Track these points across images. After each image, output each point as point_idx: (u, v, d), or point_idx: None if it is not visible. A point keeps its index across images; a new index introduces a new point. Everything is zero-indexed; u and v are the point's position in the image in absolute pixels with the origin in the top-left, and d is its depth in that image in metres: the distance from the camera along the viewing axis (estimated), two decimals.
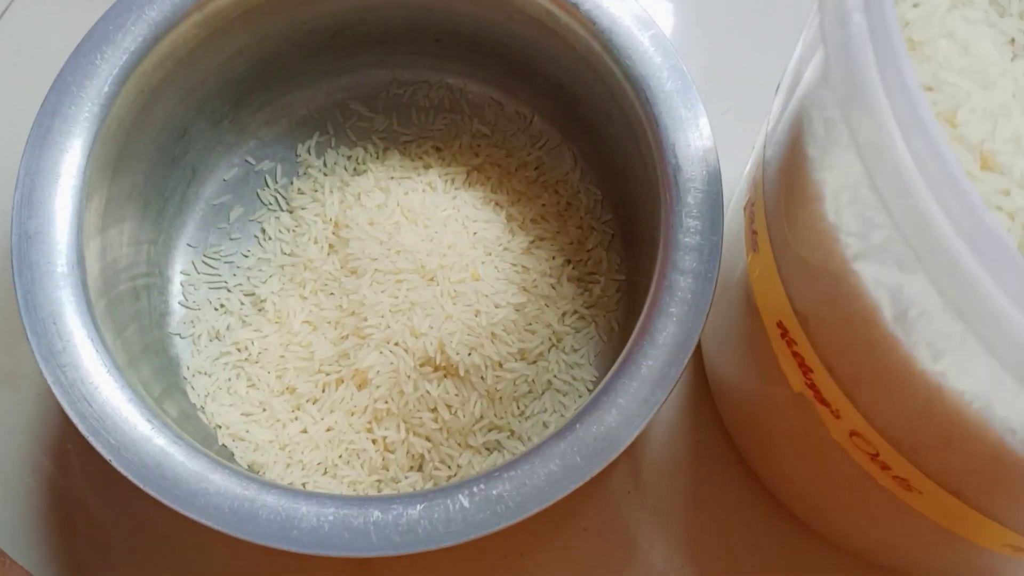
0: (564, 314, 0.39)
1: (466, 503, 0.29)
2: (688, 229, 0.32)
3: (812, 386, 0.27)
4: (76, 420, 0.29)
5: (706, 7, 0.48)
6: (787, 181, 0.26)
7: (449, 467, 0.36)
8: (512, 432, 0.37)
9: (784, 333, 0.28)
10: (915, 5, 0.23)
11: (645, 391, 0.30)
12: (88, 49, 0.33)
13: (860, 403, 0.25)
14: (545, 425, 0.37)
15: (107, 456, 0.29)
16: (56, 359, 0.30)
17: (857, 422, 0.26)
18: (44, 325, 0.30)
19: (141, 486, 0.29)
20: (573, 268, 0.39)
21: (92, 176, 0.33)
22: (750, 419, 0.35)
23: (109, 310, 0.33)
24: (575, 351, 0.39)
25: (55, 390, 0.30)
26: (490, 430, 0.37)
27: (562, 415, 0.37)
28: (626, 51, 0.34)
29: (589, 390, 0.38)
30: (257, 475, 0.36)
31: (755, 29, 0.47)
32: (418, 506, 0.29)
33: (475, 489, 0.29)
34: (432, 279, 0.37)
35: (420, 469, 0.37)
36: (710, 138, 0.33)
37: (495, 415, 0.37)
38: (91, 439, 0.29)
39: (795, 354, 0.27)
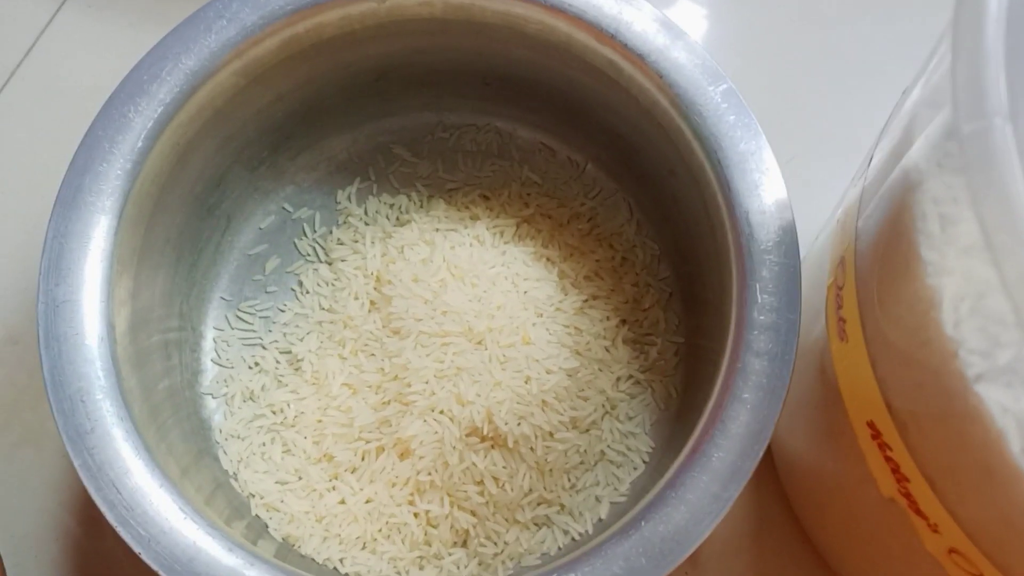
0: (619, 379, 0.36)
1: None
2: (763, 306, 0.29)
3: (907, 495, 0.25)
4: (104, 508, 0.27)
5: (767, 43, 0.45)
6: (889, 276, 0.23)
7: (495, 543, 0.34)
8: (563, 507, 0.35)
9: (876, 435, 0.25)
10: None
11: (716, 486, 0.28)
12: (121, 101, 0.31)
13: (966, 523, 0.23)
14: (597, 499, 0.35)
15: (136, 549, 0.27)
16: (84, 440, 0.28)
17: (959, 540, 0.23)
18: (72, 403, 0.28)
19: None
20: (628, 329, 0.37)
21: (124, 237, 0.31)
22: (823, 508, 0.33)
23: (137, 373, 0.31)
24: (630, 419, 0.36)
25: (82, 475, 0.28)
26: (539, 504, 0.35)
27: (615, 488, 0.35)
28: (696, 107, 0.31)
29: (645, 462, 0.36)
30: (293, 548, 0.34)
31: (821, 66, 0.44)
32: None
33: None
34: (480, 343, 0.35)
35: (465, 545, 0.35)
36: (788, 205, 0.30)
37: (545, 488, 0.35)
38: (120, 530, 0.27)
39: (888, 459, 0.25)
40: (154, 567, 0.27)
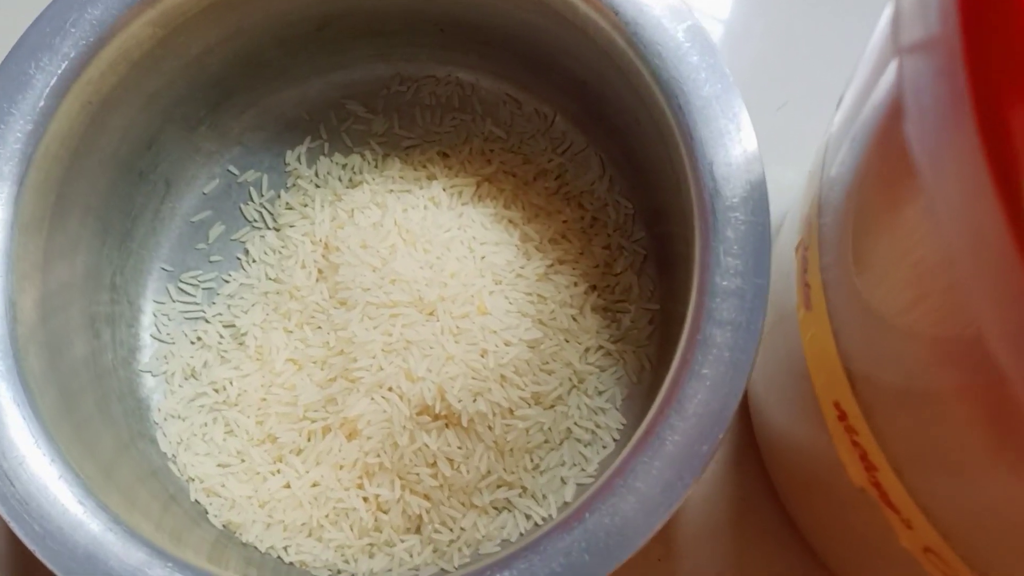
0: (587, 350, 0.33)
1: None
2: (727, 270, 0.26)
3: (877, 485, 0.21)
4: None
5: None
6: (864, 222, 0.20)
7: (451, 529, 0.31)
8: (524, 489, 0.32)
9: (842, 417, 0.22)
10: None
11: (670, 474, 0.25)
12: (20, 57, 0.29)
13: (939, 521, 0.20)
14: (563, 481, 0.32)
15: (31, 546, 0.25)
16: None
17: (933, 539, 0.20)
18: None
19: None
20: (598, 296, 0.34)
21: (27, 205, 0.28)
22: (804, 492, 0.30)
23: (51, 356, 0.29)
24: (600, 394, 0.33)
25: None
26: (499, 487, 0.32)
27: (583, 468, 0.32)
28: (654, 47, 0.28)
29: (615, 440, 0.33)
30: (234, 536, 0.32)
31: (818, 7, 0.40)
32: None
33: None
34: (431, 313, 0.32)
35: (418, 531, 0.32)
36: (756, 156, 0.27)
37: (504, 470, 0.32)
38: (12, 524, 0.25)
39: (855, 444, 0.22)
40: (50, 565, 0.25)
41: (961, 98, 0.12)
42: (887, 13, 0.20)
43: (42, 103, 0.28)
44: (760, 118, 0.28)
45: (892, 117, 0.17)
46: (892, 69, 0.17)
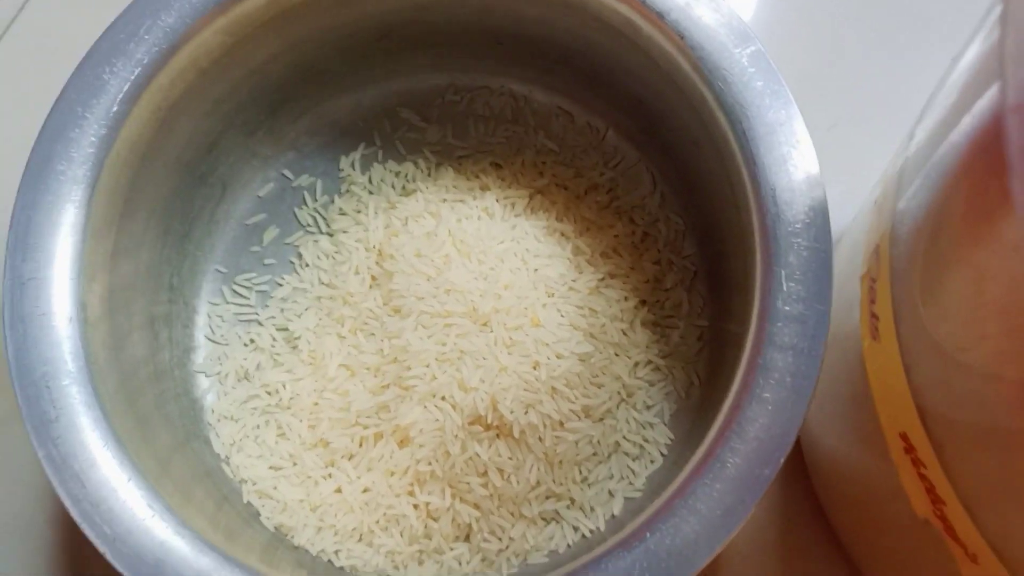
0: (636, 365, 0.34)
1: None
2: (789, 295, 0.26)
3: (943, 518, 0.22)
4: (68, 504, 0.26)
5: None
6: (936, 264, 0.20)
7: (500, 539, 0.32)
8: (572, 501, 0.32)
9: (910, 449, 0.22)
10: None
11: (731, 497, 0.25)
12: (96, 62, 0.29)
13: (1010, 560, 0.20)
14: (611, 494, 0.32)
15: (101, 548, 0.25)
16: (48, 429, 0.26)
17: (999, 574, 0.21)
18: (36, 389, 0.26)
19: None
20: (648, 311, 0.34)
21: (99, 208, 0.29)
22: (855, 516, 0.30)
23: (114, 352, 0.29)
24: (648, 408, 0.33)
25: (45, 467, 0.26)
26: (547, 498, 0.32)
27: (630, 482, 0.33)
28: (720, 72, 0.28)
29: (663, 455, 0.33)
30: (285, 539, 0.32)
31: (867, 19, 0.40)
32: None
33: None
34: (485, 324, 0.32)
35: (467, 540, 0.32)
36: (820, 183, 0.27)
37: (553, 481, 0.32)
38: (84, 527, 0.26)
39: (922, 477, 0.22)
40: (119, 568, 0.25)
41: None
42: (974, 53, 0.20)
43: (115, 108, 0.29)
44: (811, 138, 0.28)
45: (986, 165, 0.17)
46: (983, 116, 0.18)
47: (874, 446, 0.24)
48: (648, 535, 0.25)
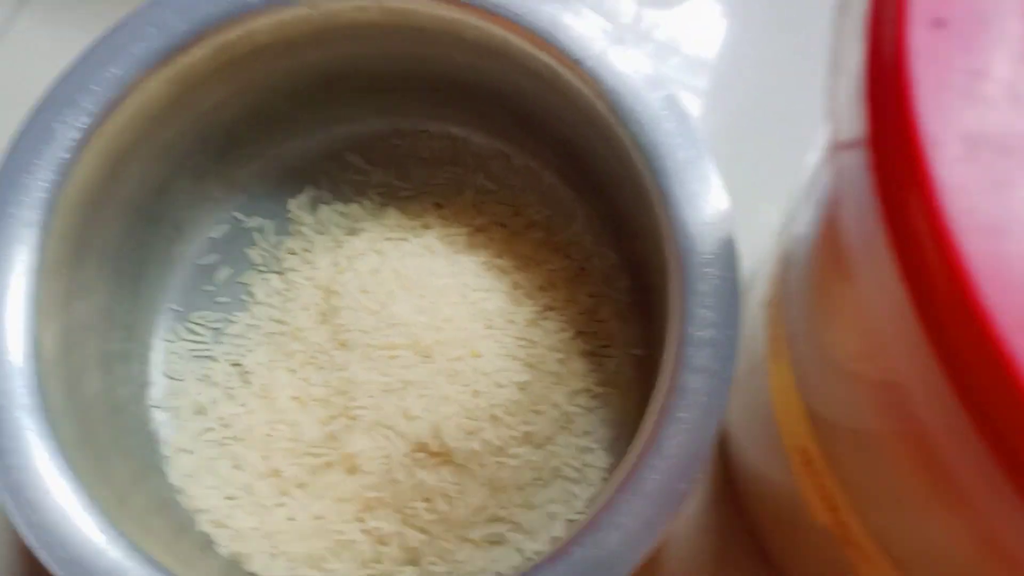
0: (574, 393, 0.35)
1: None
2: (701, 321, 0.28)
3: (841, 524, 0.24)
4: (24, 530, 0.27)
5: (776, 45, 0.44)
6: (816, 285, 0.22)
7: (447, 562, 0.33)
8: (516, 524, 0.34)
9: (806, 460, 0.24)
10: None
11: (651, 511, 0.27)
12: (46, 112, 0.31)
13: (896, 555, 0.22)
14: (552, 517, 0.34)
15: (55, 570, 0.27)
16: (4, 459, 0.28)
17: (890, 574, 0.22)
18: None
19: None
20: (584, 342, 0.36)
21: (51, 250, 0.30)
22: (774, 528, 0.32)
23: (70, 389, 0.31)
24: (587, 434, 0.35)
25: (3, 495, 0.27)
26: (492, 521, 0.34)
27: (571, 505, 0.34)
28: (633, 115, 0.30)
29: (603, 479, 0.35)
30: (238, 566, 0.33)
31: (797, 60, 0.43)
32: None
33: None
34: (427, 356, 0.34)
35: (416, 563, 0.34)
36: (727, 217, 0.29)
37: (497, 505, 0.34)
38: (39, 552, 0.27)
39: (818, 485, 0.24)
40: None
41: (871, 196, 0.15)
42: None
43: (66, 155, 0.30)
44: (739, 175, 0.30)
45: (834, 199, 0.19)
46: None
47: (780, 460, 0.26)
48: (574, 549, 0.27)
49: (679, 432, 0.27)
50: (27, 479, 0.28)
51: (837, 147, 0.16)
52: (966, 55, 0.15)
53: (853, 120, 0.16)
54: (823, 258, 0.21)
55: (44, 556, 0.27)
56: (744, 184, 0.30)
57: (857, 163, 0.15)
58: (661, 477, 0.27)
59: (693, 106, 0.43)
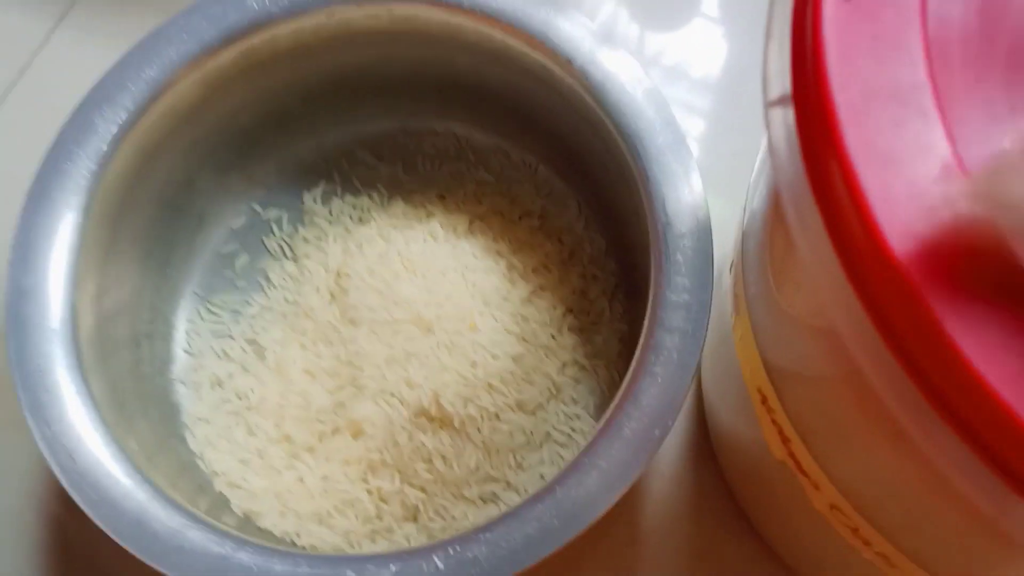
0: (564, 365, 0.38)
1: (440, 565, 0.29)
2: (676, 287, 0.31)
3: (792, 456, 0.26)
4: (58, 473, 0.30)
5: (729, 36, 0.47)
6: (768, 251, 0.25)
7: (444, 518, 0.36)
8: (508, 484, 0.37)
9: (764, 400, 0.27)
10: None
11: (627, 454, 0.29)
12: (88, 108, 0.34)
13: (839, 481, 0.24)
14: (542, 477, 0.37)
15: (87, 510, 0.30)
16: (42, 412, 0.31)
17: (835, 496, 0.25)
18: (32, 378, 0.31)
19: (119, 541, 0.29)
20: (575, 318, 0.39)
21: (90, 232, 0.33)
22: (745, 477, 0.35)
23: (103, 361, 0.34)
24: (575, 402, 0.38)
25: (39, 443, 0.30)
26: (486, 482, 0.37)
27: (560, 467, 0.37)
28: (618, 106, 0.33)
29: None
30: (252, 523, 0.36)
31: None
32: (391, 567, 0.29)
33: (450, 551, 0.29)
34: (429, 330, 0.37)
35: (415, 520, 0.36)
36: (700, 193, 0.32)
37: (491, 467, 0.36)
38: (72, 492, 0.30)
39: (774, 422, 0.27)
40: (103, 527, 0.29)
41: (794, 139, 0.18)
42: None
43: (104, 147, 0.34)
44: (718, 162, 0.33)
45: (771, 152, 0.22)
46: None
47: (745, 405, 0.29)
48: (557, 488, 0.29)
49: (654, 385, 0.30)
50: (63, 431, 0.31)
51: (769, 105, 0.19)
52: (870, 23, 0.18)
53: (782, 79, 0.19)
54: (771, 226, 0.24)
55: (76, 496, 0.30)
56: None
57: (784, 116, 0.18)
58: (637, 425, 0.30)
59: (697, 126, 0.46)
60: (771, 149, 0.19)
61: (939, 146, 0.17)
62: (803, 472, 0.26)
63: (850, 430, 0.23)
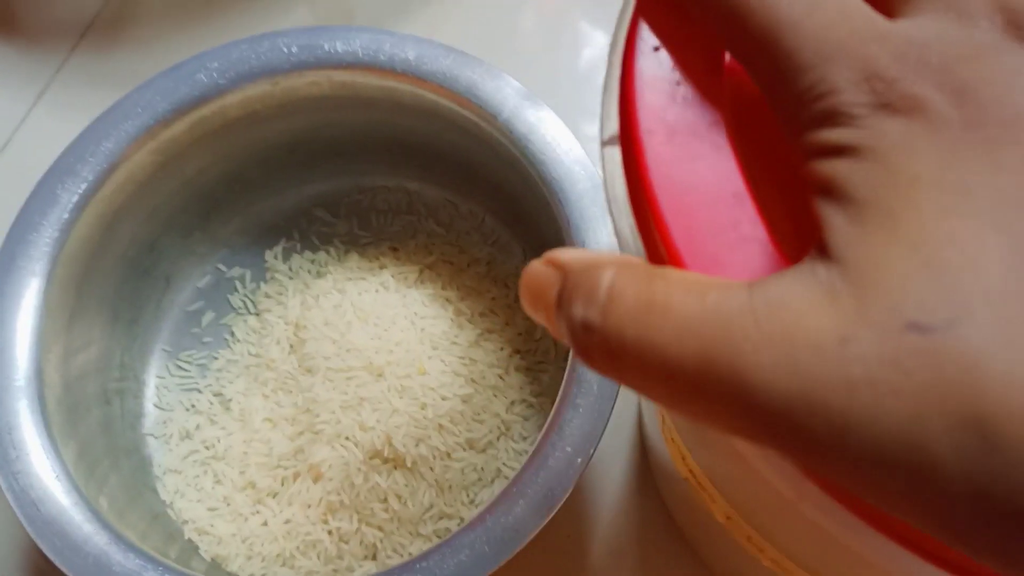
0: (512, 403, 0.40)
1: None
2: None
3: (691, 472, 0.28)
4: (25, 523, 0.32)
5: None
6: None
7: (401, 555, 0.38)
8: (462, 519, 0.38)
9: (663, 419, 0.29)
10: None
11: (552, 482, 0.31)
12: (51, 180, 0.37)
13: (722, 490, 0.26)
14: None
15: (51, 556, 0.32)
16: (10, 466, 0.33)
17: (728, 509, 0.27)
18: (0, 435, 0.33)
19: None
20: (521, 358, 0.41)
21: (54, 295, 0.36)
22: (672, 497, 0.36)
23: (73, 421, 0.36)
24: (524, 439, 0.40)
25: (8, 496, 0.32)
26: (440, 518, 0.38)
27: None
28: (540, 156, 0.36)
29: None
30: (220, 568, 0.38)
31: None
32: None
33: None
34: (380, 375, 0.39)
35: (374, 558, 0.38)
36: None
37: (445, 504, 0.38)
38: (38, 541, 0.32)
39: (672, 440, 0.28)
40: (67, 572, 0.31)
41: (620, 172, 0.20)
42: None
43: (66, 215, 0.36)
44: None
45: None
46: None
47: (655, 426, 0.31)
48: (488, 517, 0.31)
49: (576, 416, 0.32)
50: (30, 483, 0.33)
51: (603, 144, 0.21)
52: (672, 71, 0.21)
53: (610, 122, 0.21)
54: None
55: (42, 544, 0.32)
56: None
57: (613, 153, 0.21)
58: (561, 454, 0.32)
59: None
60: (606, 181, 0.21)
61: (733, 175, 0.19)
62: (702, 487, 0.28)
63: (711, 438, 0.25)
